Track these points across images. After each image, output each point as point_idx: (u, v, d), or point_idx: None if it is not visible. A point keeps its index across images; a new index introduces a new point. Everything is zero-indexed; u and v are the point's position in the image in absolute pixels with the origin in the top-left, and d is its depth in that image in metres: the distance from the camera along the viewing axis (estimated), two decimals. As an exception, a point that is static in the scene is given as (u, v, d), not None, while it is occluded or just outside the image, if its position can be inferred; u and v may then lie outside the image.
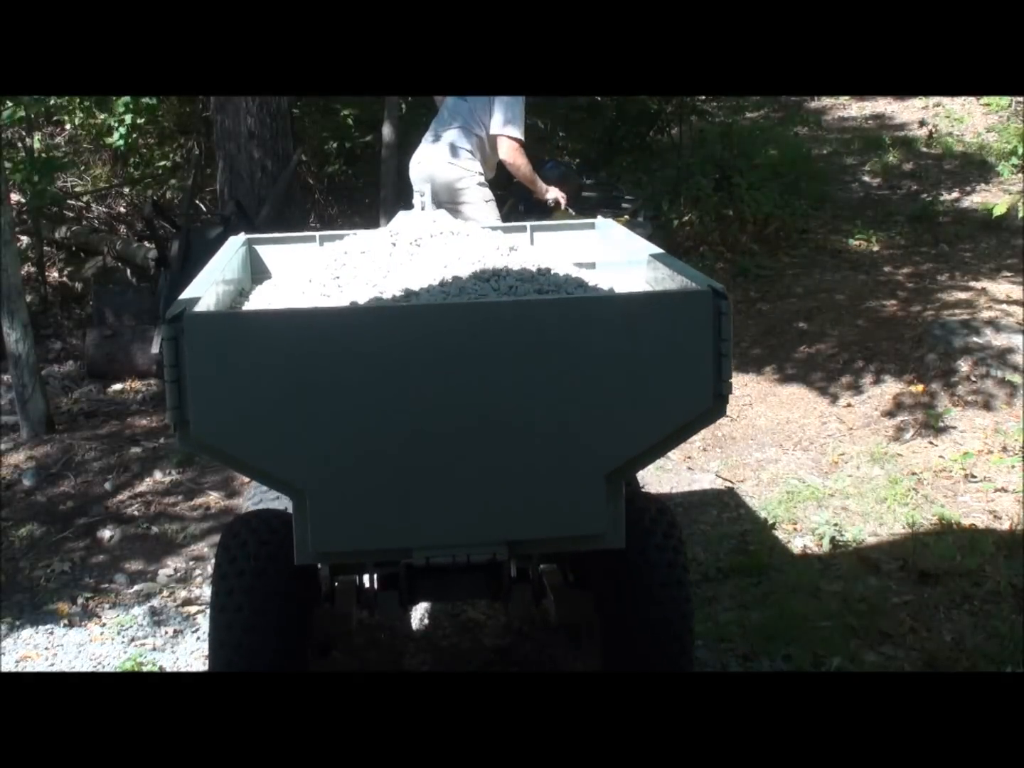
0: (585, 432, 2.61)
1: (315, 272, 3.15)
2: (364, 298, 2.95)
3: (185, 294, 2.80)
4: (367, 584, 3.31)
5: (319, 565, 3.09)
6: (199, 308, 2.65)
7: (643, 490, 3.58)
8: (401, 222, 3.39)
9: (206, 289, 2.89)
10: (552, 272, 3.15)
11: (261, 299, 3.30)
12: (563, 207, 5.89)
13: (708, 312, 2.61)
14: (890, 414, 5.81)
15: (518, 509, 2.66)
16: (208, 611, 4.11)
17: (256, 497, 3.32)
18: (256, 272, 3.71)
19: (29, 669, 3.86)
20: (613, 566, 2.98)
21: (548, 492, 2.64)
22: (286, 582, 2.97)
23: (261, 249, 3.76)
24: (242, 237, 3.76)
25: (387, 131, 7.56)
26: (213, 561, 4.51)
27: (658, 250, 3.31)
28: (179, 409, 2.52)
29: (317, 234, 3.82)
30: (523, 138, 5.53)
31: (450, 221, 3.41)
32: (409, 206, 3.63)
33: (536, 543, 2.81)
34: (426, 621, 4.07)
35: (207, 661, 3.84)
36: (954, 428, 5.55)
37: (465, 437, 2.60)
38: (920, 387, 5.93)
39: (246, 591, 2.96)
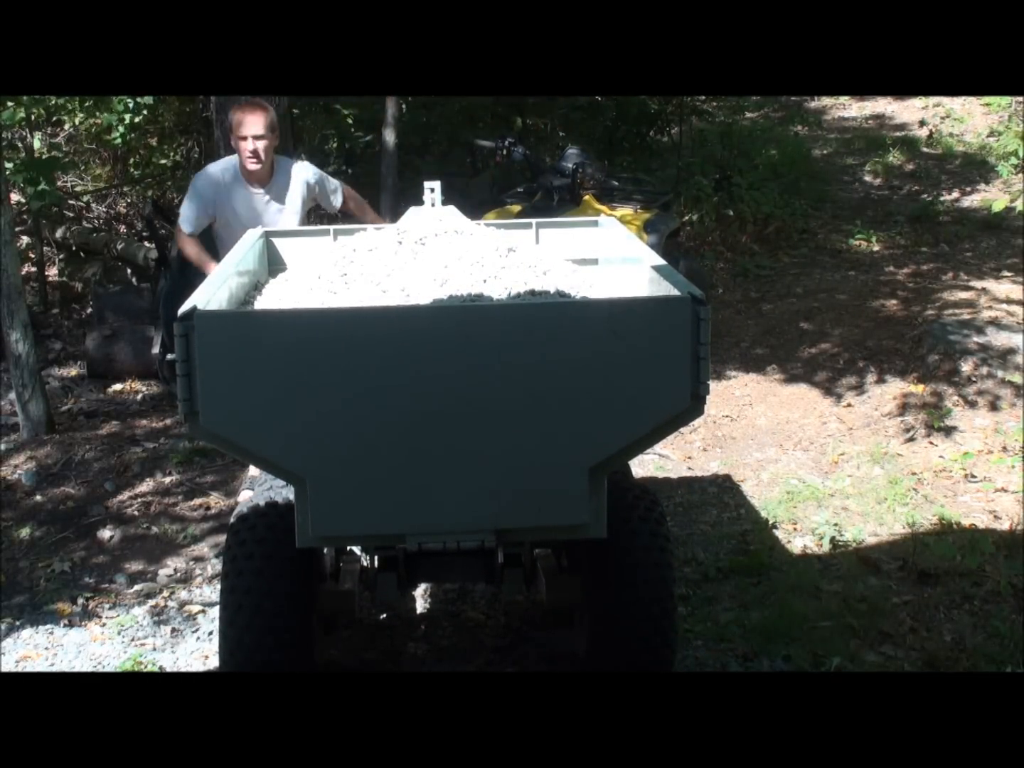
0: (569, 428, 2.75)
1: (324, 268, 3.29)
2: (368, 296, 3.10)
3: (201, 288, 2.95)
4: (367, 563, 3.50)
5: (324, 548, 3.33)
6: (210, 307, 2.79)
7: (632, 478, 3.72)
8: (410, 219, 3.52)
9: (221, 283, 3.04)
10: (547, 273, 3.27)
11: (272, 295, 3.42)
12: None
13: (687, 318, 2.72)
14: (891, 414, 5.82)
15: (505, 499, 2.80)
16: (209, 607, 4.16)
17: (266, 484, 3.42)
18: (272, 264, 3.86)
19: (29, 669, 3.86)
20: (599, 543, 3.09)
21: (534, 484, 2.78)
22: (293, 563, 3.14)
23: (278, 242, 3.92)
24: (259, 230, 3.91)
25: (388, 131, 7.56)
26: (214, 560, 4.54)
27: (651, 252, 3.42)
28: (189, 401, 2.68)
29: (331, 228, 3.95)
30: (184, 228, 5.04)
31: (456, 219, 3.46)
32: (420, 202, 3.66)
33: (522, 532, 2.97)
34: (426, 621, 4.08)
35: (207, 661, 3.87)
36: (954, 428, 5.55)
37: (456, 431, 2.74)
38: (921, 387, 5.93)
39: (255, 573, 3.13)
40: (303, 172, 5.04)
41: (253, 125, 4.80)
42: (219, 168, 5.06)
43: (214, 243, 4.99)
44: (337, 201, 5.15)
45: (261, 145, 4.79)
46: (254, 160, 4.83)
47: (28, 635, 4.08)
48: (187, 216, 4.96)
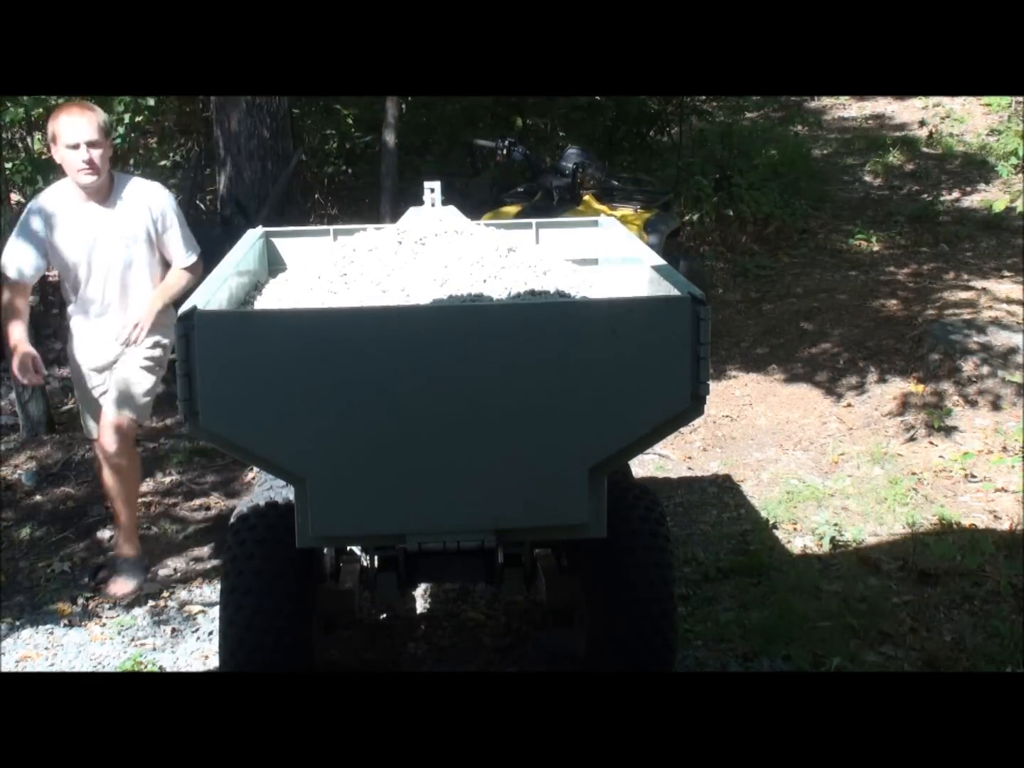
0: (569, 428, 2.74)
1: (324, 268, 3.28)
2: (368, 296, 3.10)
3: (201, 288, 2.94)
4: (367, 563, 3.50)
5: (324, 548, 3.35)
6: (210, 306, 2.78)
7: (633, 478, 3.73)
8: (410, 219, 3.53)
9: (221, 283, 3.04)
10: (547, 273, 3.27)
11: (272, 295, 3.42)
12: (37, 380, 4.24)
13: (687, 318, 2.72)
14: (891, 414, 5.82)
15: (505, 499, 2.80)
16: (209, 607, 4.16)
17: (266, 484, 3.42)
18: (272, 264, 3.86)
19: (29, 669, 3.86)
20: (599, 543, 3.08)
21: (534, 484, 2.78)
22: (293, 564, 3.14)
23: (278, 242, 3.91)
24: (260, 230, 3.89)
25: (388, 131, 7.56)
26: (214, 560, 4.54)
27: (651, 252, 3.42)
28: (189, 400, 2.67)
29: (331, 228, 3.94)
30: (7, 272, 4.18)
31: (456, 219, 3.47)
32: (420, 202, 3.67)
33: (522, 532, 2.96)
34: (426, 621, 4.08)
35: (207, 661, 3.87)
36: (955, 428, 5.56)
37: (456, 431, 2.73)
38: (921, 387, 5.93)
39: (255, 573, 3.13)
40: (149, 191, 4.25)
41: (84, 129, 4.01)
42: (48, 195, 4.23)
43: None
44: (179, 260, 4.27)
45: (96, 153, 4.02)
46: (89, 171, 4.04)
47: (28, 635, 4.08)
48: (11, 256, 4.14)
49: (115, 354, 4.33)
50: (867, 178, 10.29)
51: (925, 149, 10.69)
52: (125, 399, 4.27)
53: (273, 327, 2.75)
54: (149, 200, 4.24)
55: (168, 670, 3.83)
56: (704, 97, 10.08)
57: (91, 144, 4.03)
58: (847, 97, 12.21)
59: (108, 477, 4.38)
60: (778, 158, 9.85)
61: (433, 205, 3.64)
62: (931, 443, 5.48)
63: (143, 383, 4.30)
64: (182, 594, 4.39)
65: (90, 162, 4.03)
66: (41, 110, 7.62)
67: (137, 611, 4.24)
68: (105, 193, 4.18)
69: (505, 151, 6.38)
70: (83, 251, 4.20)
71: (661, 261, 3.26)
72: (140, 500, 5.19)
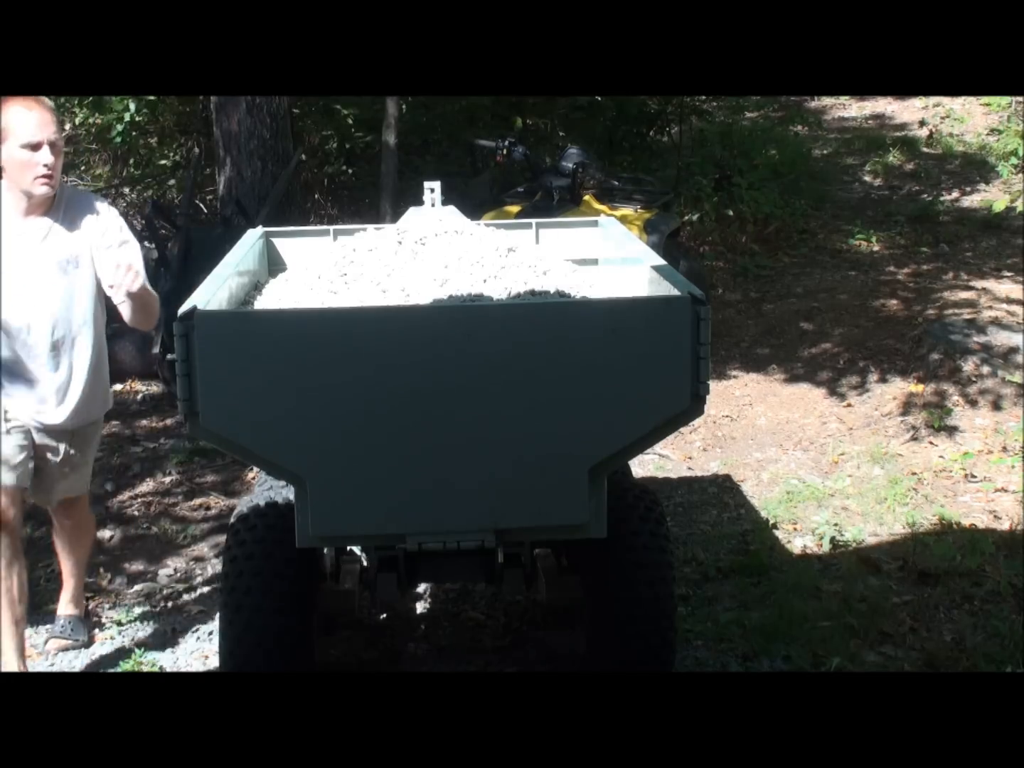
0: (569, 428, 2.75)
1: (324, 268, 3.28)
2: (368, 296, 3.10)
3: (201, 288, 2.94)
4: (367, 563, 3.49)
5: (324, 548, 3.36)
6: (210, 306, 2.78)
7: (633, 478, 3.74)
8: (410, 219, 3.53)
9: (221, 283, 3.04)
10: (547, 273, 3.27)
11: (272, 294, 3.41)
12: None
13: (687, 318, 2.73)
14: (891, 414, 5.82)
15: (505, 499, 2.80)
16: (210, 607, 4.16)
17: (266, 484, 3.42)
18: (272, 264, 3.85)
19: (29, 669, 3.86)
20: (599, 543, 3.08)
21: (534, 484, 2.78)
22: (293, 564, 3.15)
23: (278, 242, 3.91)
24: (260, 230, 3.87)
25: (388, 131, 7.56)
26: (214, 560, 4.54)
27: (651, 252, 3.43)
28: (189, 401, 2.68)
29: (331, 228, 3.94)
30: None
31: (456, 219, 3.47)
32: (420, 202, 3.68)
33: (522, 531, 2.97)
34: (426, 621, 4.08)
35: (207, 661, 3.87)
36: (954, 428, 5.55)
37: (456, 431, 2.74)
38: (920, 387, 5.93)
39: (255, 573, 3.14)
40: (94, 203, 3.54)
41: (46, 126, 3.30)
42: None
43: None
44: (117, 279, 3.29)
45: (60, 160, 3.34)
46: (50, 179, 3.32)
47: (28, 635, 4.07)
48: None
49: (38, 423, 3.60)
50: (867, 178, 10.29)
51: (925, 149, 10.69)
52: (78, 478, 3.98)
53: (273, 327, 2.76)
54: (94, 211, 3.50)
55: (168, 670, 3.83)
56: (704, 97, 10.08)
57: (53, 146, 3.32)
58: (847, 97, 12.21)
59: (59, 536, 4.06)
60: (778, 158, 9.85)
61: (433, 205, 3.64)
62: (931, 443, 5.48)
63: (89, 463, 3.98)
64: (182, 594, 4.38)
65: (53, 168, 3.32)
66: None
67: (137, 611, 4.24)
68: (48, 206, 3.43)
69: (505, 151, 6.37)
70: (15, 281, 3.39)
71: (661, 261, 3.26)
72: (140, 499, 5.20)
